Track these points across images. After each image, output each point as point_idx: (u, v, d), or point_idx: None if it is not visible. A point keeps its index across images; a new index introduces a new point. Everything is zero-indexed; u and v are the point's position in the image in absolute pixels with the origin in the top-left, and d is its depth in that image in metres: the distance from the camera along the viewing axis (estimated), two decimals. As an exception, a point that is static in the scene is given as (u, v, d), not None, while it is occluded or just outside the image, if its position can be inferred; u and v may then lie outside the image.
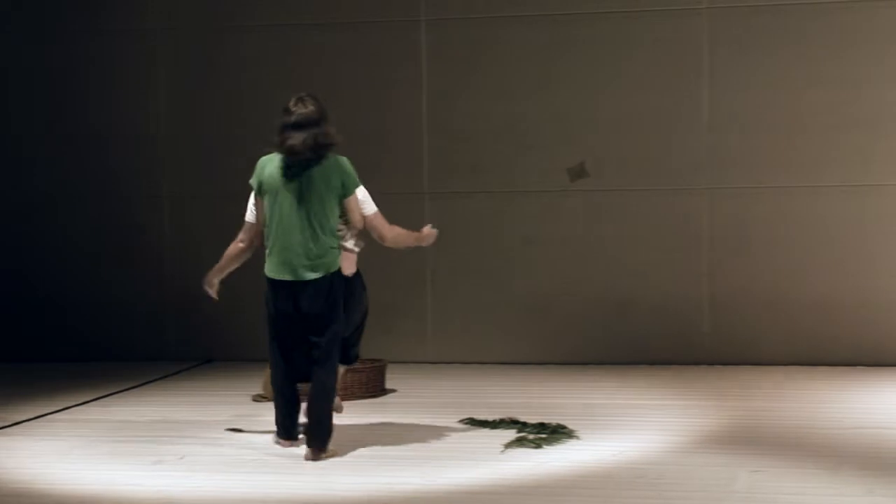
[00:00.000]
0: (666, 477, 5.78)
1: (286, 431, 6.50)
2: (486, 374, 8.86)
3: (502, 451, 6.37)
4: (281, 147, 6.26)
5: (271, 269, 6.31)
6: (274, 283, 6.32)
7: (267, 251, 6.35)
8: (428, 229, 6.92)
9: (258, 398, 7.79)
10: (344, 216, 6.44)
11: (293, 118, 6.24)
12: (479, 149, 9.33)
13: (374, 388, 8.07)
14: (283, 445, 6.47)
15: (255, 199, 6.46)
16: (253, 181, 6.42)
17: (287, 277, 6.26)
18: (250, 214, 6.56)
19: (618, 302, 9.18)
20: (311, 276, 6.24)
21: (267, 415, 6.73)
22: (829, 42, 8.87)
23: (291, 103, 6.31)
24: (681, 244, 9.13)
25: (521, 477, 5.85)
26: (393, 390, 8.20)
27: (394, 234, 6.74)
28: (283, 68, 9.50)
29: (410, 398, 7.99)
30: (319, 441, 6.24)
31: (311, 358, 6.34)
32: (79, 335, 9.75)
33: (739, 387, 8.17)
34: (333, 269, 6.31)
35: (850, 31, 8.85)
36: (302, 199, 6.24)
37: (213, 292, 6.75)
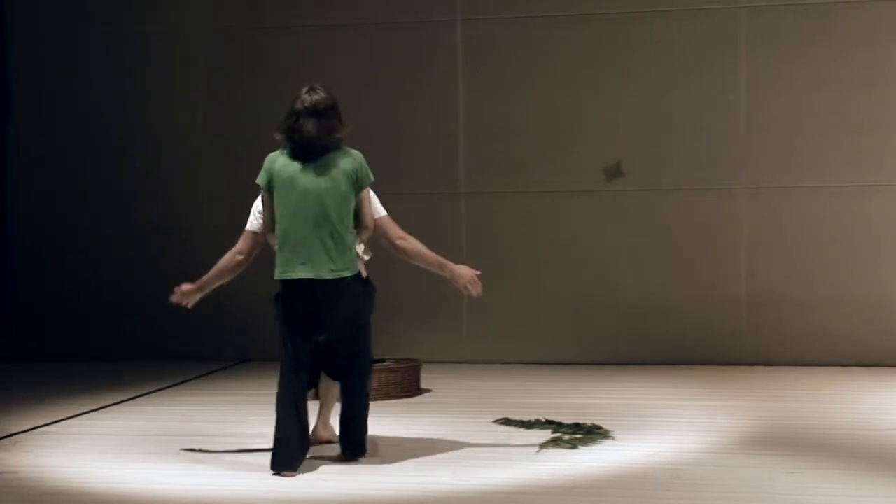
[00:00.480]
0: (702, 478, 5.75)
1: (293, 461, 5.91)
2: (521, 374, 8.86)
3: (537, 452, 6.36)
4: (293, 133, 5.99)
5: (286, 268, 5.96)
6: (290, 284, 5.96)
7: (278, 251, 6.03)
8: (468, 271, 6.42)
9: None
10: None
11: (306, 104, 5.99)
12: (515, 148, 9.32)
13: (409, 387, 8.08)
14: (285, 476, 5.86)
15: (263, 199, 6.15)
16: (261, 178, 6.10)
17: (306, 275, 5.91)
18: (252, 223, 6.25)
19: (655, 302, 9.16)
20: (334, 274, 5.92)
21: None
22: (871, 41, 8.82)
23: (303, 92, 6.05)
24: (718, 244, 9.09)
25: (556, 477, 5.83)
26: (428, 390, 8.21)
27: (413, 246, 6.37)
28: (318, 68, 9.51)
29: (445, 398, 8.00)
30: (360, 441, 6.13)
31: (335, 368, 6.14)
32: (114, 335, 9.82)
33: (777, 388, 8.13)
34: (355, 268, 6.03)
35: (891, 31, 8.79)
36: (318, 190, 5.94)
37: (190, 301, 6.51)
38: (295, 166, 5.99)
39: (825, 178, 8.93)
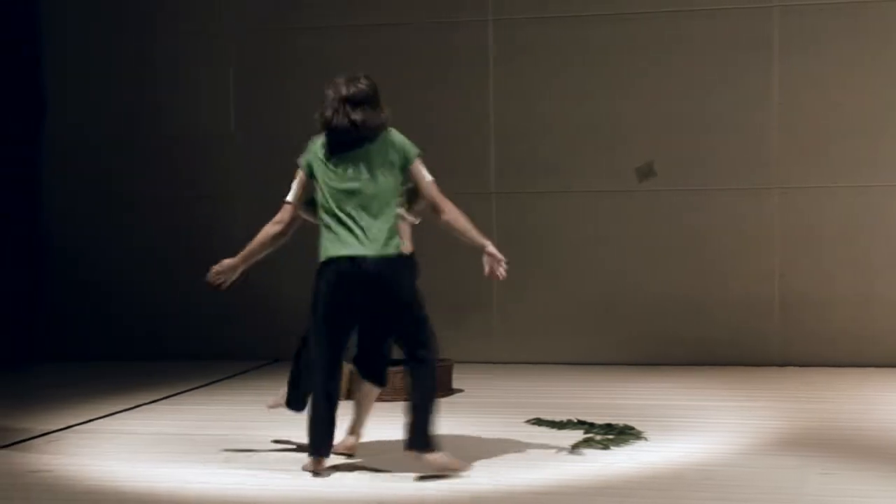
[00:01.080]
0: (734, 479, 5.74)
1: (326, 448, 5.95)
2: (553, 375, 8.86)
3: (569, 452, 6.36)
4: (338, 121, 5.94)
5: (330, 247, 5.90)
6: (335, 262, 5.87)
7: (323, 233, 5.97)
8: (494, 251, 6.37)
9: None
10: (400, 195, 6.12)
11: (351, 92, 5.98)
12: (546, 149, 9.33)
13: (442, 388, 8.08)
14: (319, 469, 5.91)
15: (302, 179, 6.12)
16: (303, 160, 6.09)
17: (351, 253, 5.83)
18: (292, 195, 6.23)
19: (687, 302, 9.14)
20: (378, 252, 5.84)
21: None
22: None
23: (345, 79, 6.05)
24: (751, 244, 9.07)
25: (588, 478, 5.83)
26: (460, 390, 8.22)
27: (456, 214, 6.23)
28: (351, 68, 9.54)
29: (477, 398, 8.01)
30: (428, 433, 5.90)
31: (380, 354, 6.24)
32: (147, 335, 9.88)
33: (811, 388, 8.10)
34: (399, 248, 5.96)
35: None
36: (363, 174, 5.93)
37: (228, 279, 6.42)
38: (340, 150, 5.97)
39: (858, 177, 8.89)
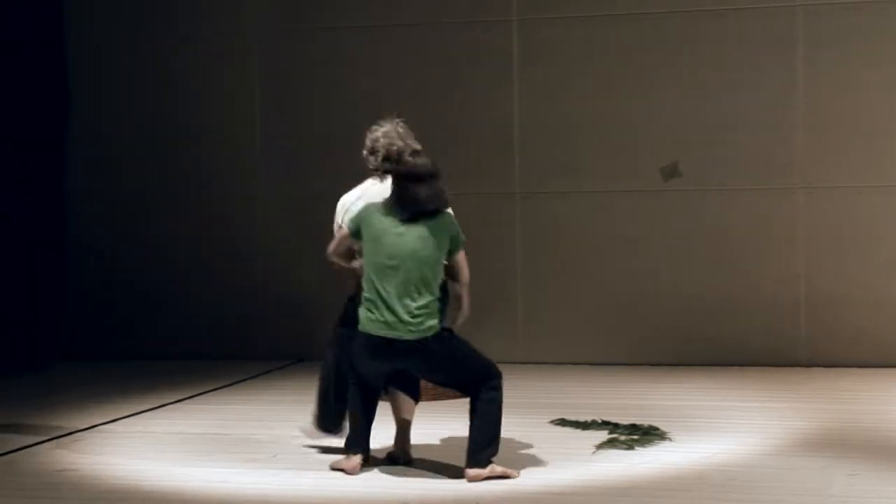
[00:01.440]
0: (759, 480, 5.72)
1: (358, 447, 6.01)
2: (577, 375, 8.85)
3: (594, 452, 6.36)
4: (400, 197, 5.80)
5: (368, 324, 5.79)
6: (372, 340, 5.79)
7: (363, 300, 5.84)
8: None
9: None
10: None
11: (414, 169, 5.88)
12: (570, 149, 9.32)
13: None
14: (351, 467, 5.95)
15: (345, 237, 5.99)
16: (351, 223, 5.94)
17: (388, 334, 5.73)
18: (332, 247, 6.07)
19: (712, 302, 9.11)
20: (415, 335, 5.72)
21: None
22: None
23: (405, 153, 6.02)
24: (776, 244, 9.04)
25: (612, 478, 5.83)
26: (484, 390, 8.21)
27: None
28: (375, 69, 9.58)
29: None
30: (479, 451, 5.85)
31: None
32: (173, 335, 9.90)
33: (837, 389, 8.06)
34: (437, 327, 5.80)
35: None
36: (411, 254, 5.75)
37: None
38: (391, 224, 5.81)
39: (883, 178, 8.85)
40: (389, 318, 5.73)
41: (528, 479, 5.79)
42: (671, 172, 9.02)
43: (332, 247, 6.08)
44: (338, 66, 9.68)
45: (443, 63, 9.52)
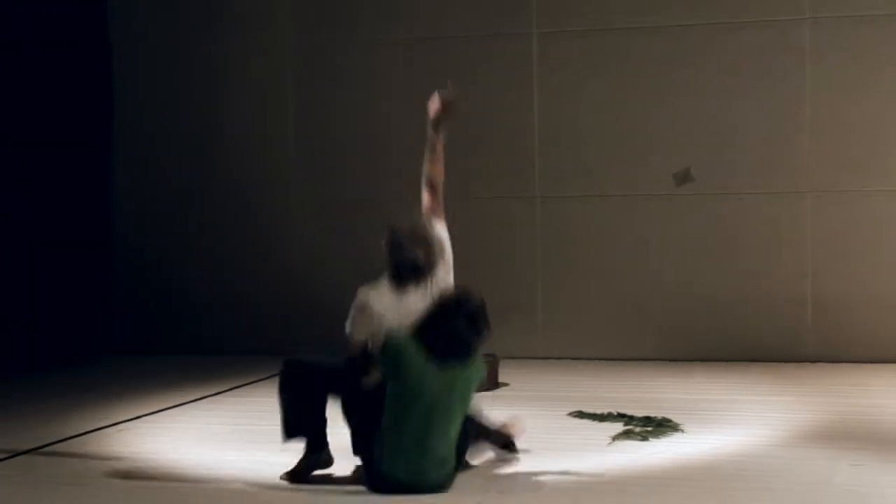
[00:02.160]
0: (768, 470, 5.70)
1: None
2: (593, 370, 8.83)
3: (609, 444, 6.34)
4: (452, 339, 5.22)
5: (389, 468, 5.22)
6: (389, 480, 5.24)
7: (384, 432, 5.25)
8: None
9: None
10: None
11: (469, 310, 5.28)
12: (588, 155, 9.30)
13: (489, 382, 8.06)
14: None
15: (374, 354, 5.41)
16: (390, 355, 5.25)
17: (407, 481, 5.22)
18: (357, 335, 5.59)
19: (723, 301, 9.08)
20: (434, 481, 5.25)
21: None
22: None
23: (456, 295, 5.39)
24: (785, 246, 9.00)
25: (627, 468, 5.81)
26: (505, 384, 8.20)
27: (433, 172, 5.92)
28: (399, 79, 9.58)
29: (522, 391, 7.99)
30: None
31: None
32: (212, 330, 9.93)
33: (841, 383, 8.02)
34: (454, 468, 5.36)
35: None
36: (445, 403, 5.21)
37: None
38: (431, 370, 5.21)
39: (888, 182, 8.80)
40: (411, 456, 5.21)
41: (546, 468, 5.77)
42: (684, 178, 8.95)
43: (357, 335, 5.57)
44: (365, 78, 9.68)
45: (468, 75, 9.50)
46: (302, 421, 5.64)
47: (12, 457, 6.27)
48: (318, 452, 5.64)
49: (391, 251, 5.59)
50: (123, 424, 7.08)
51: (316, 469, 5.64)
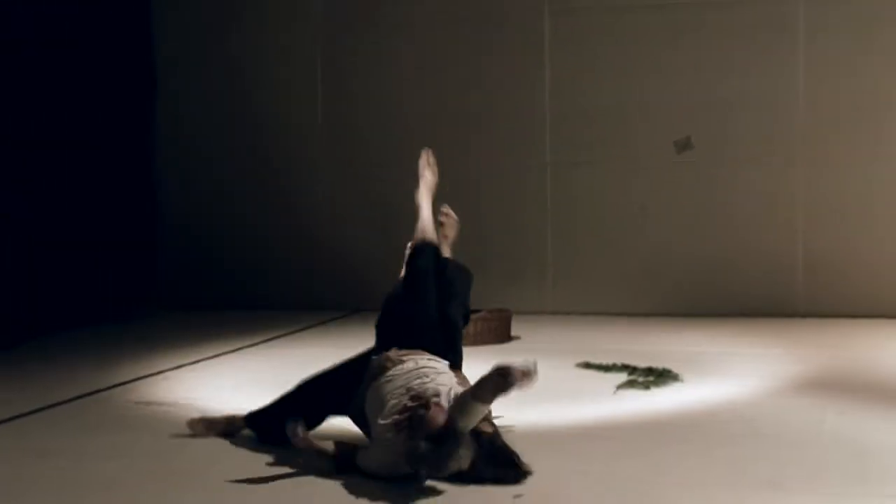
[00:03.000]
0: (761, 417, 5.73)
1: None
2: (600, 324, 8.86)
3: (614, 392, 6.38)
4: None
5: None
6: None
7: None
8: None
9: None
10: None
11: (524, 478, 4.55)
12: (595, 125, 9.30)
13: (502, 335, 8.12)
14: None
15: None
16: None
17: None
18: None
19: (720, 261, 9.10)
20: None
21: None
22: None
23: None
24: (778, 210, 9.00)
25: (631, 415, 5.85)
26: (518, 337, 8.24)
27: None
28: (420, 63, 9.60)
29: (533, 344, 8.02)
30: None
31: None
32: (250, 287, 10.01)
33: (829, 337, 8.04)
34: None
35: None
36: None
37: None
38: None
39: (874, 151, 8.79)
40: None
41: (555, 416, 5.82)
42: (684, 146, 8.97)
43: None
44: (389, 60, 9.68)
45: (486, 52, 9.52)
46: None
47: (64, 402, 6.34)
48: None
49: (410, 434, 4.46)
50: (168, 372, 7.17)
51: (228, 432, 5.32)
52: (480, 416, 4.48)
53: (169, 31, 10.17)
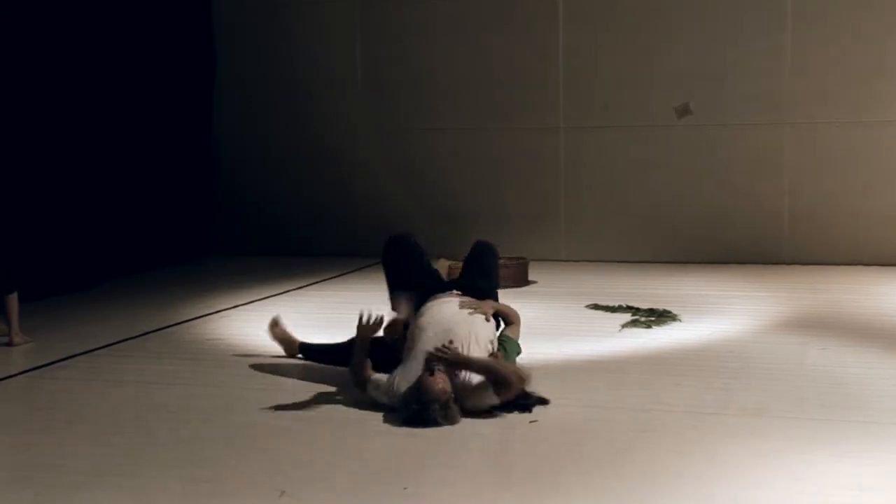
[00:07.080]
0: (750, 352, 5.74)
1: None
2: (608, 270, 8.84)
3: (620, 330, 6.39)
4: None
5: None
6: None
7: None
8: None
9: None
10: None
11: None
12: (604, 90, 9.22)
13: (520, 280, 8.13)
14: None
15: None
16: None
17: None
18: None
19: (715, 213, 9.05)
20: None
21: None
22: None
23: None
24: (767, 168, 8.93)
25: (634, 350, 5.87)
26: (534, 282, 8.25)
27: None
28: (444, 35, 9.52)
29: (548, 288, 8.03)
30: None
31: None
32: (298, 234, 10.02)
33: (812, 282, 8.01)
34: None
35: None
36: None
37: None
38: None
39: (855, 114, 8.68)
40: None
41: (567, 351, 5.83)
42: (683, 111, 8.87)
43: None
44: (413, 30, 9.61)
45: (504, 23, 9.43)
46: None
47: (135, 337, 6.41)
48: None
49: (418, 398, 4.41)
50: (224, 312, 7.20)
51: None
52: (490, 403, 4.49)
53: (226, 4, 10.12)
